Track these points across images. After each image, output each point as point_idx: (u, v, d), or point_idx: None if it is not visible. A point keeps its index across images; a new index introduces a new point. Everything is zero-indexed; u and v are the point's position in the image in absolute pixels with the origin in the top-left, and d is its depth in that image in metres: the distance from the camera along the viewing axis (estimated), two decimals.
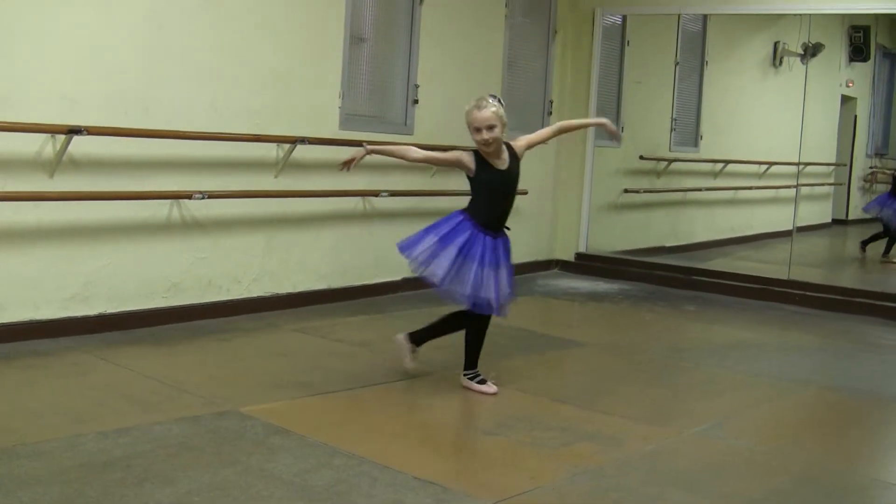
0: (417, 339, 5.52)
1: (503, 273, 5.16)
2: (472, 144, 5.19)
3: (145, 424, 4.42)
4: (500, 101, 5.14)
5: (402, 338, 5.53)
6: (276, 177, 7.17)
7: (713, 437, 4.83)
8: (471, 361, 5.42)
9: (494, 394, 5.28)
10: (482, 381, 5.37)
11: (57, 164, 5.83)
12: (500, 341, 6.61)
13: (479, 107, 5.04)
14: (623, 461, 4.36)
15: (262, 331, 6.63)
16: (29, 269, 5.84)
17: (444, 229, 5.12)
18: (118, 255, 6.28)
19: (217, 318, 6.80)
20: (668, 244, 11.29)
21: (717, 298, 9.14)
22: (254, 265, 7.14)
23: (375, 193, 7.93)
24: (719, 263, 10.49)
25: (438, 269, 5.04)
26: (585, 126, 5.72)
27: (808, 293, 8.93)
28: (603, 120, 5.82)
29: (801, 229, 10.17)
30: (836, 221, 13.01)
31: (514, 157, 5.23)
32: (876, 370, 6.68)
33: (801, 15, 10.00)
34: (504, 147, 5.19)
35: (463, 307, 5.29)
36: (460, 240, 5.05)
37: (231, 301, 6.98)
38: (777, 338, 7.56)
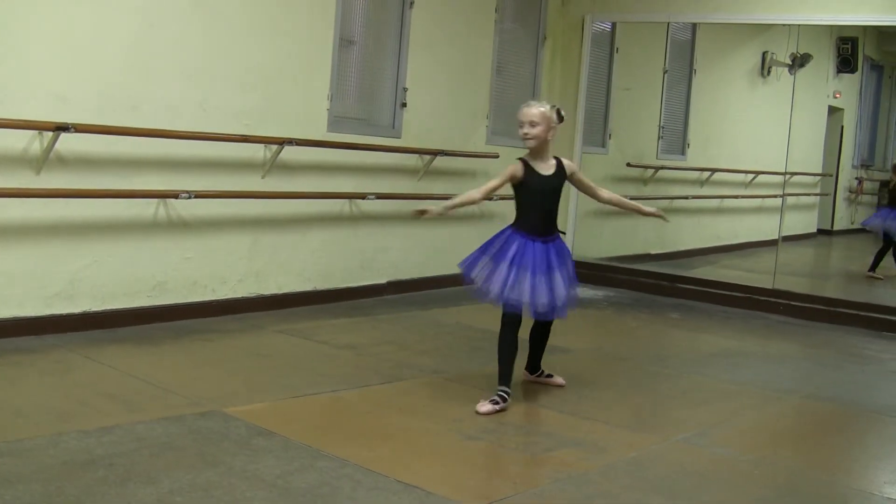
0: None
1: (557, 277, 5.32)
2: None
3: (128, 423, 4.40)
4: (559, 112, 5.38)
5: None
6: (263, 178, 7.16)
7: (696, 444, 4.83)
8: (533, 365, 5.82)
9: (561, 385, 5.71)
10: (549, 375, 5.86)
11: (44, 161, 5.81)
12: (484, 346, 6.60)
13: (528, 104, 5.36)
14: (606, 468, 4.36)
15: (246, 332, 6.62)
16: (13, 265, 5.81)
17: (496, 247, 5.33)
18: (104, 254, 6.26)
19: (202, 319, 6.78)
20: (653, 251, 11.32)
21: (702, 306, 9.16)
22: (239, 266, 7.13)
23: (362, 196, 7.92)
24: (704, 271, 10.51)
25: (495, 287, 5.20)
26: (637, 210, 5.81)
27: (792, 303, 8.97)
28: (655, 211, 5.82)
29: (786, 239, 10.20)
30: (821, 232, 13.05)
31: (561, 170, 5.43)
32: (858, 380, 6.70)
33: (789, 25, 10.04)
34: (553, 158, 5.43)
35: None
36: (510, 253, 5.24)
37: (216, 301, 6.97)
38: (761, 347, 7.58)
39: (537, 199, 5.37)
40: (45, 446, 4.03)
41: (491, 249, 5.34)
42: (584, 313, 8.49)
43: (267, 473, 3.93)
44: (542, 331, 5.67)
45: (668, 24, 10.85)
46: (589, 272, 10.13)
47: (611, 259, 10.53)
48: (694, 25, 11.33)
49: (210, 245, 6.90)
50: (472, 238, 5.93)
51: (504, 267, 5.22)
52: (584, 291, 9.55)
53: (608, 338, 7.64)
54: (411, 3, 8.32)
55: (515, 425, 4.90)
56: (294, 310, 7.44)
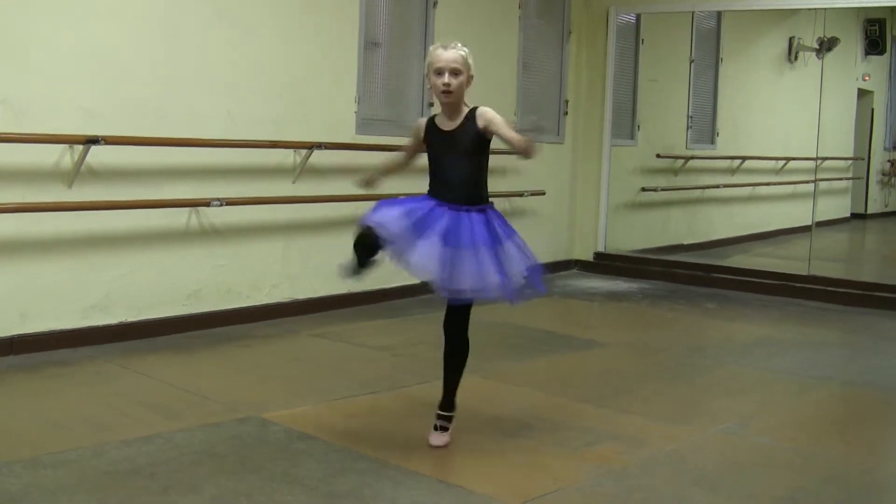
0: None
1: (482, 254, 4.20)
2: None
3: (168, 432, 4.43)
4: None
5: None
6: (293, 182, 7.18)
7: (736, 435, 4.81)
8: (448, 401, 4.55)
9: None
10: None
11: (75, 174, 5.85)
12: (520, 343, 6.61)
13: (444, 46, 4.25)
14: (646, 461, 4.35)
15: (282, 336, 6.65)
16: (49, 279, 5.86)
17: (418, 213, 4.26)
18: (138, 264, 6.30)
19: (237, 325, 6.81)
20: (686, 242, 11.27)
21: (737, 295, 9.10)
22: (273, 271, 7.16)
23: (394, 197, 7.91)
24: (738, 260, 10.47)
25: (430, 265, 4.16)
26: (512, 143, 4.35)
27: (828, 288, 8.89)
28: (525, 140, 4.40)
29: (820, 224, 10.13)
30: (854, 216, 12.96)
31: (471, 123, 4.29)
32: None
33: (815, 9, 9.97)
34: (465, 109, 4.32)
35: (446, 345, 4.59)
36: (440, 226, 4.19)
37: (251, 307, 7.00)
38: (798, 334, 7.52)
39: (435, 159, 4.40)
40: (87, 457, 4.07)
41: (413, 215, 4.22)
42: (619, 306, 8.47)
43: (308, 477, 3.94)
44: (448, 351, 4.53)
45: (693, 13, 10.79)
46: (622, 265, 10.12)
47: (643, 251, 10.49)
48: (719, 14, 11.27)
49: (243, 251, 6.93)
50: None
51: (404, 202, 4.32)
52: (619, 284, 9.53)
53: (644, 330, 7.61)
54: (435, 3, 8.32)
55: (554, 421, 4.88)
56: (329, 313, 7.46)
